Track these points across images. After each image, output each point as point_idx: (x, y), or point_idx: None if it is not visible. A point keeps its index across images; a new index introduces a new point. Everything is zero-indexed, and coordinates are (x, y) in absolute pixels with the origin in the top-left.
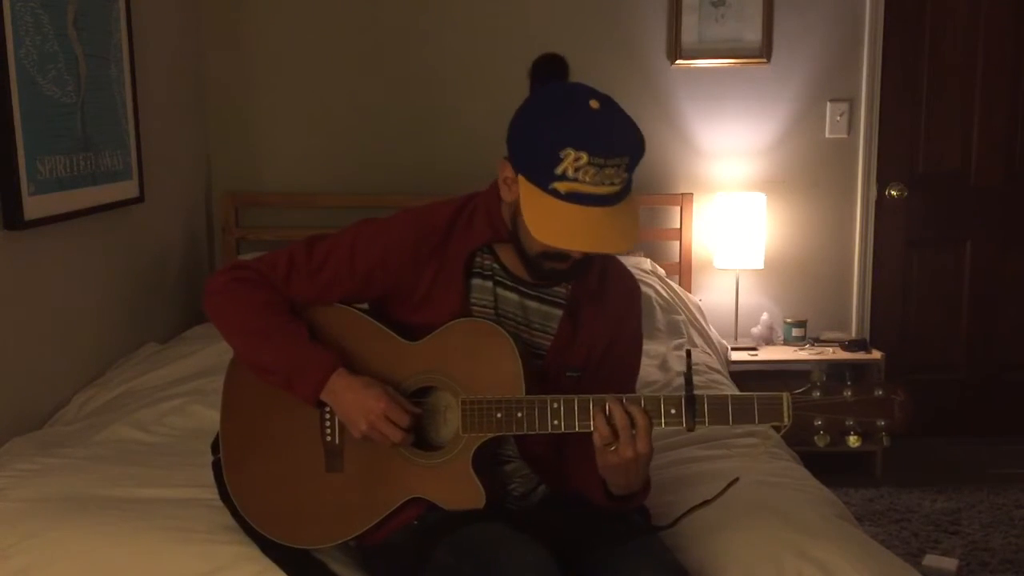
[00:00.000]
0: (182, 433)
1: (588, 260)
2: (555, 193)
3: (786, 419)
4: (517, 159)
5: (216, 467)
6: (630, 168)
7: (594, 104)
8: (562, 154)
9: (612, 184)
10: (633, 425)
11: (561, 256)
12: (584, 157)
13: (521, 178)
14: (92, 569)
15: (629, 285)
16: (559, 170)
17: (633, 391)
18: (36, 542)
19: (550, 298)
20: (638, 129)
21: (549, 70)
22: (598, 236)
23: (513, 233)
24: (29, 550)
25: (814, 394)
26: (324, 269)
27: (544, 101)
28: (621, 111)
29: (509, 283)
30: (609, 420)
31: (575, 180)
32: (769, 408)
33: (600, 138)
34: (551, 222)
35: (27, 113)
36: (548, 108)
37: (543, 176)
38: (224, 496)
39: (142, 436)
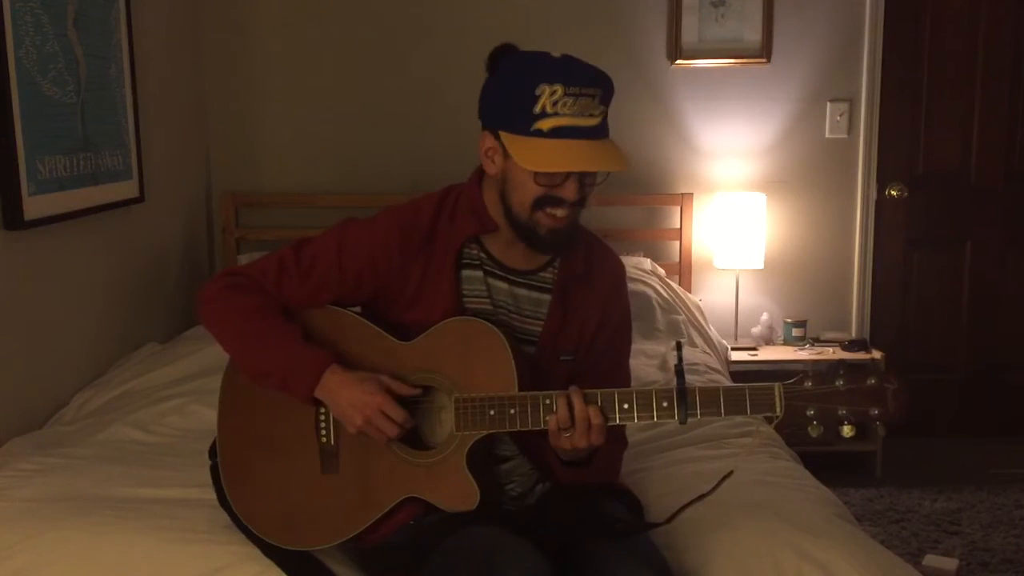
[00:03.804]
0: (182, 433)
1: (577, 225)
2: (539, 133)
3: (778, 409)
4: (495, 119)
5: (214, 472)
6: (604, 101)
7: (556, 54)
8: (537, 91)
9: (591, 116)
10: (590, 422)
11: (557, 201)
12: (559, 89)
13: (503, 135)
14: (92, 569)
15: (614, 265)
16: (538, 108)
17: (627, 369)
18: (36, 542)
19: (538, 284)
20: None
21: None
22: (591, 158)
23: (504, 207)
24: (29, 550)
25: (806, 384)
26: (313, 271)
27: (509, 63)
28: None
29: (498, 272)
30: (571, 410)
31: (555, 114)
32: (761, 399)
33: (570, 70)
34: (543, 155)
35: (27, 113)
36: (514, 64)
37: (524, 121)
38: (222, 500)
39: (142, 436)
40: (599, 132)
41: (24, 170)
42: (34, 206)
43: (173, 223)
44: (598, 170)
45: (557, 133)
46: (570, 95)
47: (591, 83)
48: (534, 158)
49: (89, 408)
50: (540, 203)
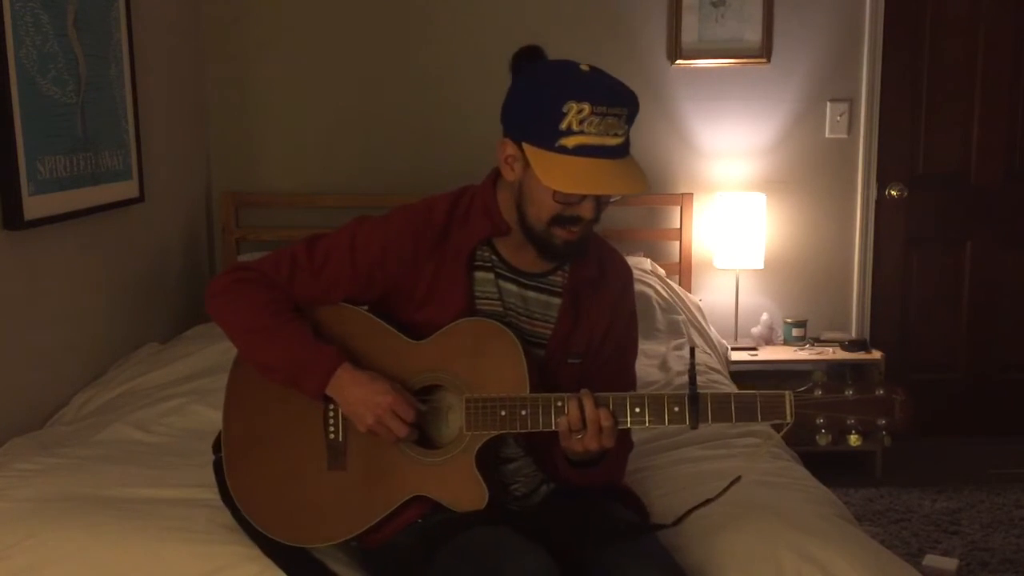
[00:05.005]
0: (182, 433)
1: (591, 235)
2: (563, 150)
3: (788, 417)
4: (519, 129)
5: (217, 467)
6: (629, 120)
7: (584, 67)
8: (565, 108)
9: (616, 135)
10: (600, 425)
11: (574, 219)
12: (587, 108)
13: (527, 146)
14: (92, 569)
15: (623, 269)
16: (564, 125)
17: (632, 372)
18: (36, 542)
19: (549, 287)
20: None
21: (530, 60)
22: (613, 179)
23: (519, 215)
24: (29, 550)
25: (816, 393)
26: (326, 268)
27: (537, 72)
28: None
29: (508, 274)
30: (582, 412)
31: (581, 132)
32: (772, 406)
33: (598, 89)
34: (565, 174)
35: (27, 113)
36: (543, 76)
37: (549, 136)
38: (225, 496)
39: (142, 436)
40: (621, 151)
41: (24, 170)
42: (34, 206)
43: (173, 223)
44: (619, 193)
45: (581, 151)
46: (597, 114)
47: (618, 103)
48: (557, 175)
49: (89, 408)
50: (557, 221)
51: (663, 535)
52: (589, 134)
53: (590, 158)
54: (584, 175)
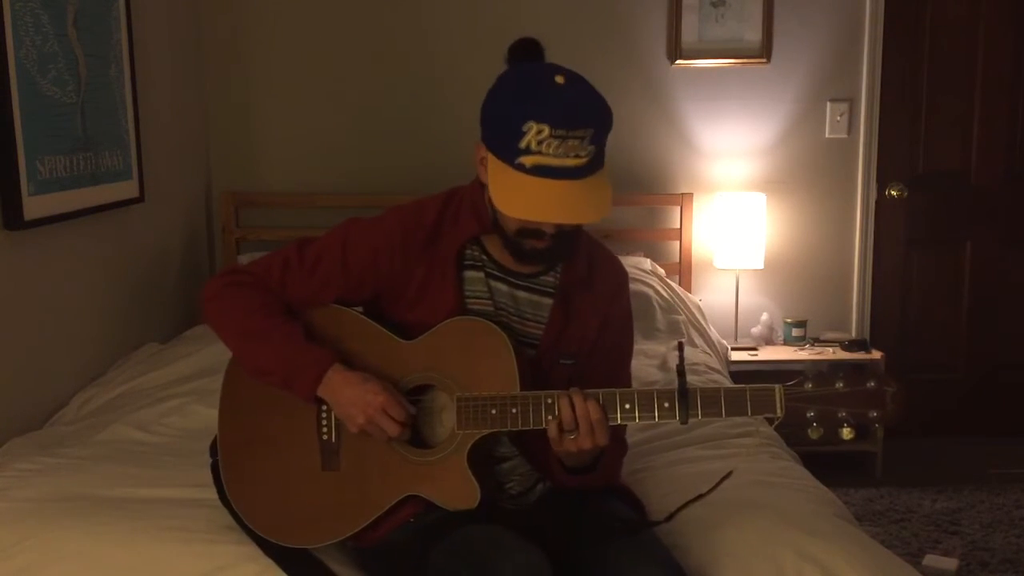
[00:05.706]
0: (182, 433)
1: (569, 242)
2: (521, 168)
3: (779, 411)
4: (487, 137)
5: (215, 469)
6: (596, 140)
7: (559, 79)
8: (524, 128)
9: (578, 157)
10: (591, 420)
11: (537, 233)
12: (546, 130)
13: (490, 156)
14: (92, 569)
15: (617, 270)
16: (523, 144)
17: (628, 374)
18: (36, 542)
19: (539, 287)
20: (604, 102)
21: (525, 54)
22: (564, 207)
23: (494, 217)
24: (29, 550)
25: (806, 386)
26: (317, 270)
27: (511, 79)
28: (588, 85)
29: (498, 274)
30: (573, 409)
31: (539, 153)
32: (762, 400)
33: (561, 110)
34: (517, 195)
35: (27, 113)
36: (514, 85)
37: (509, 151)
38: (223, 498)
39: (142, 436)
40: (583, 172)
41: (24, 170)
42: (34, 206)
43: (173, 223)
44: (568, 221)
45: (538, 171)
46: (556, 137)
47: (582, 124)
48: (509, 197)
49: (89, 408)
50: (522, 233)
51: (665, 535)
52: (547, 155)
53: (547, 179)
54: (536, 199)
